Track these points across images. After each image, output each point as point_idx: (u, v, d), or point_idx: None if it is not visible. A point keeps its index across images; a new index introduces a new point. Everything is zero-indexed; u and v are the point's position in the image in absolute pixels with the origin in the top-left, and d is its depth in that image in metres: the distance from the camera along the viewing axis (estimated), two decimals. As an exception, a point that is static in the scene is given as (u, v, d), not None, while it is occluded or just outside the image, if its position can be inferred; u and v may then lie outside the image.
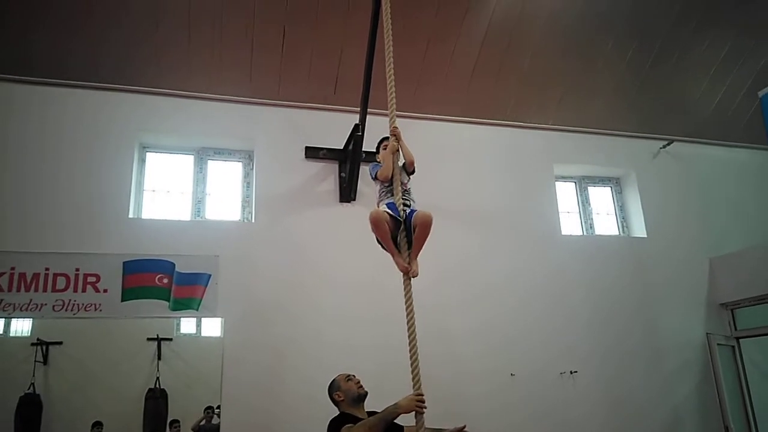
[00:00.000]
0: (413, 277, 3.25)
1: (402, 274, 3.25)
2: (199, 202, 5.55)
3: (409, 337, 3.09)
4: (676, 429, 5.89)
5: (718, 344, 5.83)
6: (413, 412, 3.03)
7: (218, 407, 6.37)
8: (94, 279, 4.78)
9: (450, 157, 6.03)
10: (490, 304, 5.66)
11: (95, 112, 5.24)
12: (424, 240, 3.32)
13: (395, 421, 3.32)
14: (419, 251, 3.35)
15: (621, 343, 5.98)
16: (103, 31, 5.12)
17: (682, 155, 6.99)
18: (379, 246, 3.47)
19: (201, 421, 7.90)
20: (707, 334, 5.90)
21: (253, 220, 5.42)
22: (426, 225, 3.27)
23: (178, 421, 8.26)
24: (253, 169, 5.64)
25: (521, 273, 5.89)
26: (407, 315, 3.13)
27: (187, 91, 5.48)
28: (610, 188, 6.96)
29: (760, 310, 6.29)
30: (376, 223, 3.23)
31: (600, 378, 5.79)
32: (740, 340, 6.40)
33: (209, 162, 5.72)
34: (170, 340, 9.54)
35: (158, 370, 9.02)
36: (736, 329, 6.42)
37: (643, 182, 6.76)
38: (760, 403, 6.24)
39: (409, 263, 3.26)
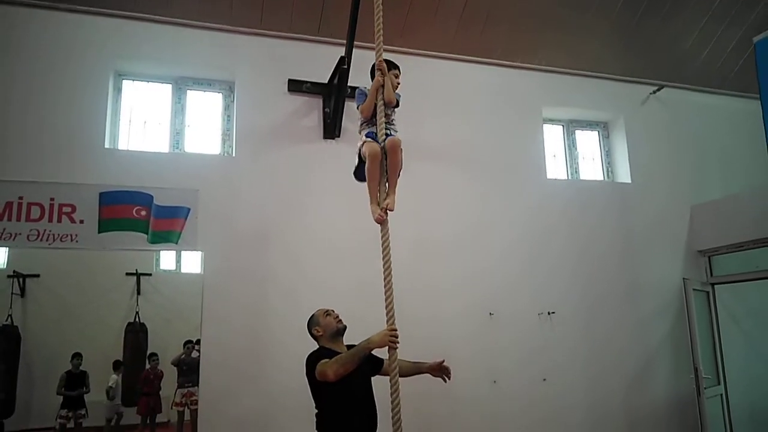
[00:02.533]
0: (389, 210, 3.20)
1: (380, 223, 3.18)
2: (177, 134, 5.38)
3: (384, 273, 3.07)
4: (649, 369, 6.08)
5: (693, 289, 5.94)
6: (386, 347, 3.05)
7: (198, 341, 6.40)
8: (69, 209, 4.64)
9: (438, 96, 5.89)
10: (472, 244, 5.67)
11: (69, 36, 4.97)
12: (398, 167, 3.27)
13: (377, 354, 3.36)
14: (396, 182, 3.29)
15: (599, 286, 6.07)
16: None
17: (672, 102, 6.92)
18: (355, 178, 3.41)
19: (181, 355, 8.02)
20: (684, 279, 6.00)
21: (233, 154, 5.28)
22: (395, 150, 3.21)
23: (156, 355, 8.40)
24: (233, 101, 5.46)
25: (504, 214, 5.88)
26: (383, 253, 3.10)
27: (165, 16, 5.21)
28: (597, 132, 6.90)
29: (736, 258, 6.41)
30: (374, 157, 3.16)
31: (577, 319, 5.90)
32: (715, 286, 6.54)
33: (188, 92, 5.51)
34: (149, 275, 9.62)
35: (138, 305, 9.11)
36: (711, 275, 6.55)
37: (630, 128, 6.71)
38: (728, 346, 6.45)
39: (385, 197, 3.22)
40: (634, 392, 5.97)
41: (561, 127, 6.79)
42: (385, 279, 3.07)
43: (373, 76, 3.48)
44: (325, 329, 3.39)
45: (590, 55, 6.51)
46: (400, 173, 3.32)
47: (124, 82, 5.34)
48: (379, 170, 3.21)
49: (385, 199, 3.22)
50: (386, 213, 3.18)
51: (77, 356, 7.86)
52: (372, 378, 3.43)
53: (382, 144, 3.24)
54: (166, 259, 9.90)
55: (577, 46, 6.41)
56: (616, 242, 6.27)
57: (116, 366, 8.40)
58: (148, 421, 8.19)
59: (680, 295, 6.08)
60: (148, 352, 8.59)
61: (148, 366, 8.36)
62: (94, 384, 7.99)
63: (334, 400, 3.18)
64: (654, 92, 6.85)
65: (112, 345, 8.80)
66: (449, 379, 3.58)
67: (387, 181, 3.27)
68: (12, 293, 8.59)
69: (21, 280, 8.77)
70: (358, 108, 3.43)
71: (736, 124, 7.09)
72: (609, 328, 6.00)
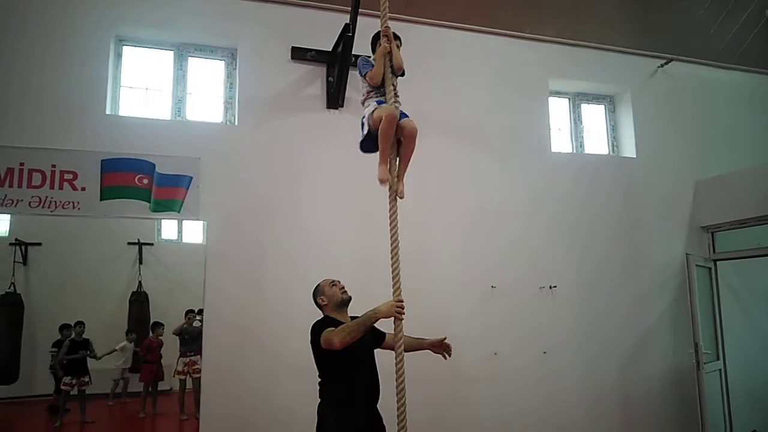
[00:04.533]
0: (400, 198, 3.19)
1: (382, 184, 3.19)
2: (179, 101, 5.31)
3: (391, 243, 3.08)
4: (649, 343, 6.12)
5: (696, 265, 5.93)
6: (392, 318, 3.06)
7: (199, 311, 6.42)
8: (71, 176, 4.60)
9: (443, 67, 5.79)
10: (474, 216, 5.65)
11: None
12: (411, 154, 3.25)
13: (380, 328, 3.38)
14: (406, 169, 3.27)
15: (602, 261, 6.06)
16: None
17: (680, 75, 6.82)
18: (360, 149, 3.37)
19: (183, 324, 8.06)
20: (687, 255, 5.98)
21: (236, 123, 5.22)
22: (413, 137, 3.19)
23: (161, 323, 8.45)
24: (236, 68, 5.38)
25: (508, 187, 5.84)
26: (391, 223, 3.10)
27: (166, -20, 5.11)
28: (603, 106, 6.82)
29: (739, 234, 6.38)
30: (391, 120, 3.10)
31: (579, 293, 5.91)
32: (717, 262, 6.53)
33: (190, 59, 5.42)
34: (151, 245, 9.61)
35: (140, 274, 9.13)
36: (714, 252, 6.54)
37: (637, 101, 6.62)
38: (728, 322, 6.48)
39: (396, 182, 3.20)
40: (634, 365, 6.01)
41: (567, 100, 6.71)
42: (392, 249, 3.08)
43: (373, 47, 3.44)
44: (330, 299, 3.41)
45: (598, 27, 6.40)
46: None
47: (125, 48, 5.26)
48: (393, 133, 3.15)
49: (396, 185, 3.19)
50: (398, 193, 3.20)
51: (80, 324, 7.90)
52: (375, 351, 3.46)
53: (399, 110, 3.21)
54: (168, 229, 9.89)
55: (585, 18, 6.30)
56: (620, 217, 6.25)
57: (128, 333, 8.56)
58: (150, 389, 8.27)
59: (682, 270, 6.08)
60: (152, 321, 8.64)
61: (151, 334, 8.42)
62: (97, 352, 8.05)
63: (336, 369, 3.21)
64: (662, 66, 6.75)
65: (114, 314, 8.84)
66: (450, 356, 3.63)
67: (398, 167, 3.24)
68: (14, 261, 8.59)
69: (23, 248, 8.76)
70: (363, 76, 3.36)
71: (744, 100, 7.02)
72: (610, 302, 6.02)
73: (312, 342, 3.22)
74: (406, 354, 3.12)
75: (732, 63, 7.10)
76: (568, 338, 5.81)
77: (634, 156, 6.51)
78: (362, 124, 3.33)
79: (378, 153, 3.22)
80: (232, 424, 4.70)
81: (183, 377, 7.88)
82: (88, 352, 7.84)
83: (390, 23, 3.33)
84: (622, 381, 5.96)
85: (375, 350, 3.47)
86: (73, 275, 8.86)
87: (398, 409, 2.94)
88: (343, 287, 3.48)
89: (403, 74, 3.43)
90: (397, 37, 3.42)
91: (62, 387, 7.63)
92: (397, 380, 2.95)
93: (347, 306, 3.45)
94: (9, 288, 8.23)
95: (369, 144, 3.30)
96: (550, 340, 5.72)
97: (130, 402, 8.52)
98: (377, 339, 3.51)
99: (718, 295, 6.48)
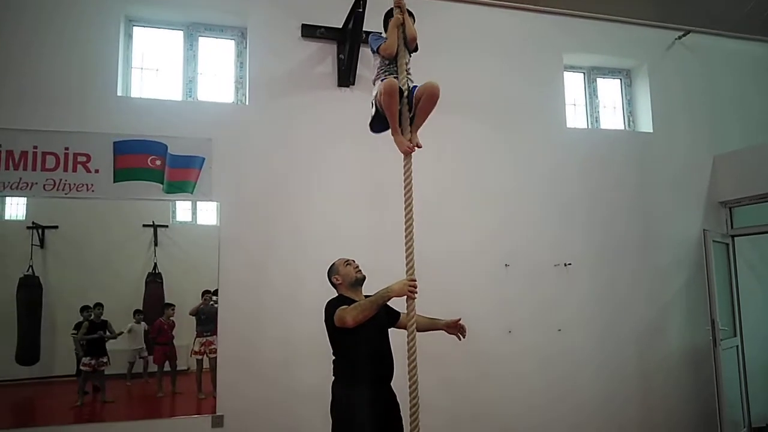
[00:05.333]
0: (418, 147, 3.18)
1: (402, 155, 3.17)
2: (190, 82, 5.28)
3: (405, 218, 3.06)
4: (665, 320, 6.06)
5: (714, 241, 5.85)
6: (405, 297, 3.07)
7: (215, 292, 6.49)
8: (84, 159, 4.64)
9: (454, 42, 5.70)
10: (489, 195, 5.60)
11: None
12: (429, 113, 3.20)
13: (394, 307, 3.38)
14: (421, 124, 3.24)
15: (617, 237, 5.99)
16: None
17: (698, 47, 6.65)
18: (370, 130, 3.36)
19: (200, 305, 8.12)
20: (704, 230, 5.90)
21: (247, 103, 5.19)
22: (433, 96, 3.13)
23: (172, 305, 8.51)
24: (246, 47, 5.34)
25: (522, 164, 5.77)
26: (405, 196, 3.08)
27: (174, -41, 5.07)
28: (619, 80, 6.69)
29: (757, 209, 6.29)
30: (391, 92, 3.04)
31: (594, 270, 5.85)
32: (735, 238, 6.44)
33: (200, 39, 5.39)
34: (166, 227, 9.63)
35: (155, 256, 9.18)
36: (732, 227, 6.44)
37: (654, 75, 6.48)
38: (746, 298, 6.41)
39: (409, 138, 3.17)
40: (650, 343, 5.97)
41: (582, 74, 6.59)
42: (406, 228, 3.07)
43: (385, 25, 3.39)
44: (344, 278, 3.41)
45: (614, -1, 6.26)
46: None
47: (135, 28, 5.22)
48: (398, 104, 3.11)
49: (411, 138, 3.19)
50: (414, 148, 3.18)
51: (98, 306, 7.99)
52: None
53: (406, 92, 3.16)
54: (182, 211, 9.94)
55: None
56: (636, 193, 6.16)
57: (135, 314, 8.59)
58: (168, 369, 8.37)
59: (699, 246, 6.01)
60: (165, 302, 8.71)
61: (162, 316, 8.50)
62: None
63: (349, 347, 3.23)
64: (679, 38, 6.58)
65: (131, 295, 8.91)
66: (464, 337, 3.62)
67: (411, 122, 3.20)
68: (32, 244, 8.69)
69: (40, 231, 8.85)
70: (375, 51, 3.31)
71: (764, 72, 6.83)
72: (626, 279, 5.96)
73: (326, 320, 3.23)
74: (420, 334, 3.12)
75: (754, 34, 6.91)
76: (583, 316, 5.77)
77: (651, 131, 6.40)
78: (372, 104, 3.31)
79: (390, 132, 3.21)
80: (248, 402, 4.78)
81: (200, 357, 7.95)
82: (108, 333, 7.94)
83: (401, -2, 3.28)
84: (638, 358, 5.92)
85: (390, 329, 3.48)
86: (90, 257, 8.90)
87: (410, 387, 2.95)
88: (357, 266, 3.48)
89: (416, 49, 3.39)
90: (410, 14, 3.37)
91: (81, 368, 7.74)
92: (408, 359, 2.96)
93: (361, 285, 3.45)
94: (27, 271, 8.33)
95: (378, 124, 3.29)
96: (565, 317, 5.69)
97: (150, 382, 8.65)
98: (392, 318, 3.51)
99: (736, 271, 6.40)
